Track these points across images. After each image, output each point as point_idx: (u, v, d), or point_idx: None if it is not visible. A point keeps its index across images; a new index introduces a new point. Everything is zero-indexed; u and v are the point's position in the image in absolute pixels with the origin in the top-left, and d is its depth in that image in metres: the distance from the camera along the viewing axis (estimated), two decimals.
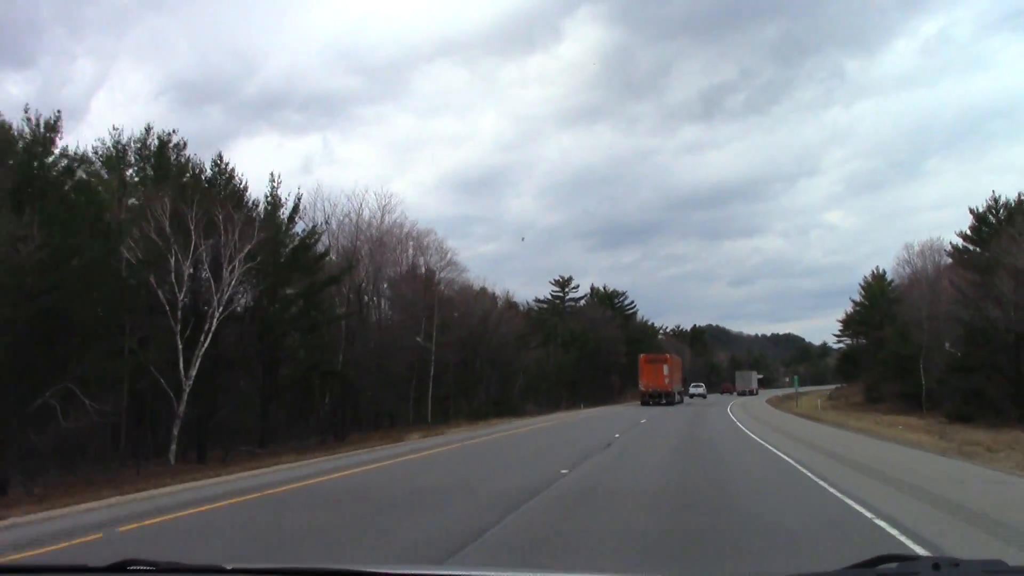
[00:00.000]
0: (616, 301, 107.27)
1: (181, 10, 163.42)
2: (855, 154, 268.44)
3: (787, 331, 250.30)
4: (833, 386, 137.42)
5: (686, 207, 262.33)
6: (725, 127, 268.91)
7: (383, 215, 54.37)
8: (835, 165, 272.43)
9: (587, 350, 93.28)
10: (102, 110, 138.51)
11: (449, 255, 58.20)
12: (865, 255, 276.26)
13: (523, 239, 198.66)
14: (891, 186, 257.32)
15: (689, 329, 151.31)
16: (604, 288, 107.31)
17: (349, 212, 51.73)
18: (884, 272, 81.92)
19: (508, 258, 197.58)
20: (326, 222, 45.37)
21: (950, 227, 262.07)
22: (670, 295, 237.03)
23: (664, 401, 63.33)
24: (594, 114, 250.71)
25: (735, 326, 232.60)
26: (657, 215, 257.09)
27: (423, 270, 60.36)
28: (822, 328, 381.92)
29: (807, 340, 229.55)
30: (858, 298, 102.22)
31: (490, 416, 60.45)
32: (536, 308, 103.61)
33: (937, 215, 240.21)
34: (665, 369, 64.98)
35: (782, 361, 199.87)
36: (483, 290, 75.15)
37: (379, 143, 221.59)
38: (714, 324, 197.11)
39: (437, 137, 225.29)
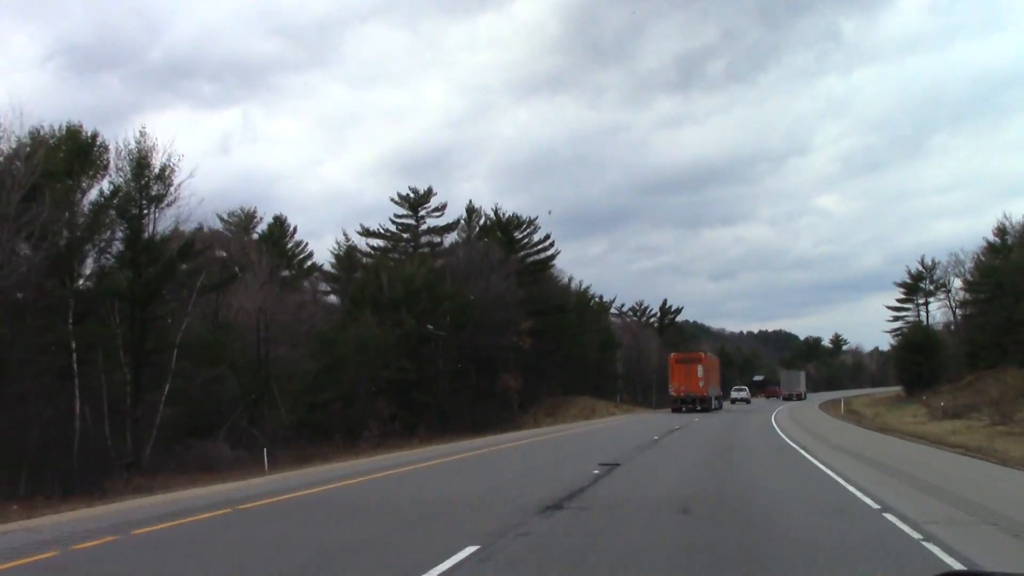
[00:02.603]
0: (518, 235, 59.12)
1: None
2: (852, 129, 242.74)
3: (776, 328, 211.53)
4: (875, 390, 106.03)
5: (660, 191, 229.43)
6: (704, 98, 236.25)
7: None
8: (829, 142, 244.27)
9: (437, 319, 45.09)
10: None
11: None
12: (861, 245, 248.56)
13: (550, 212, 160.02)
14: (892, 166, 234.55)
15: (657, 311, 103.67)
16: (496, 212, 59.26)
17: None
18: None
19: None
20: None
21: (960, 213, 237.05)
22: (641, 291, 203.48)
23: (699, 407, 54.32)
24: (555, 84, 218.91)
25: (716, 323, 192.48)
26: (627, 200, 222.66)
27: None
28: (822, 325, 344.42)
29: (801, 338, 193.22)
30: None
31: None
32: (370, 246, 55.38)
33: (945, 199, 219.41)
34: (699, 370, 55.51)
35: (780, 360, 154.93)
36: None
37: (308, 118, 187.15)
38: (691, 320, 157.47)
39: (375, 111, 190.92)
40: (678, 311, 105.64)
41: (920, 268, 75.30)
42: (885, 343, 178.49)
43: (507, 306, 51.28)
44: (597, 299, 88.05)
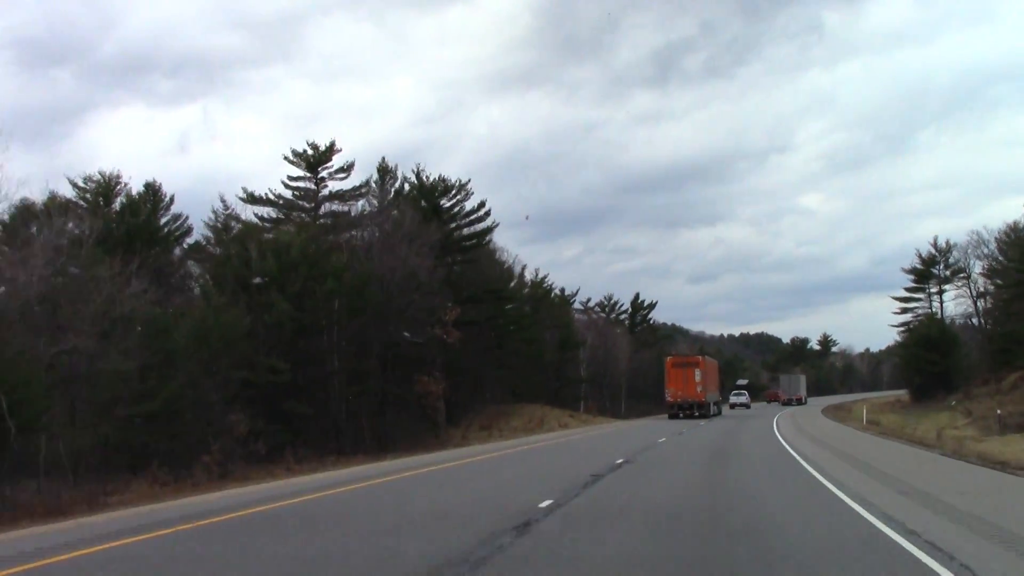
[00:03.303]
0: (445, 203, 47.71)
1: None
2: (836, 126, 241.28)
3: (758, 331, 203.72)
4: (872, 394, 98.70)
5: (637, 191, 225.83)
6: (683, 94, 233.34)
7: None
8: (812, 139, 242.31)
9: (320, 300, 33.83)
10: None
11: None
12: (846, 246, 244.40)
13: (527, 217, 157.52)
14: (878, 163, 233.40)
15: (627, 306, 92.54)
16: (418, 174, 47.63)
17: None
18: None
19: None
20: None
21: (948, 212, 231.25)
22: (618, 294, 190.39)
23: (697, 413, 52.08)
24: (528, 79, 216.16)
25: (695, 327, 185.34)
26: (603, 201, 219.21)
27: None
28: (805, 328, 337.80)
29: (784, 341, 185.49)
30: None
31: None
32: (258, 216, 44.23)
33: (932, 197, 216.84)
34: (697, 374, 53.32)
35: (764, 363, 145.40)
36: None
37: (272, 115, 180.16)
38: (670, 323, 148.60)
39: (341, 108, 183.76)
40: (651, 306, 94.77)
41: (932, 251, 64.66)
42: (876, 345, 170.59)
43: (423, 288, 39.93)
44: (558, 292, 77.04)
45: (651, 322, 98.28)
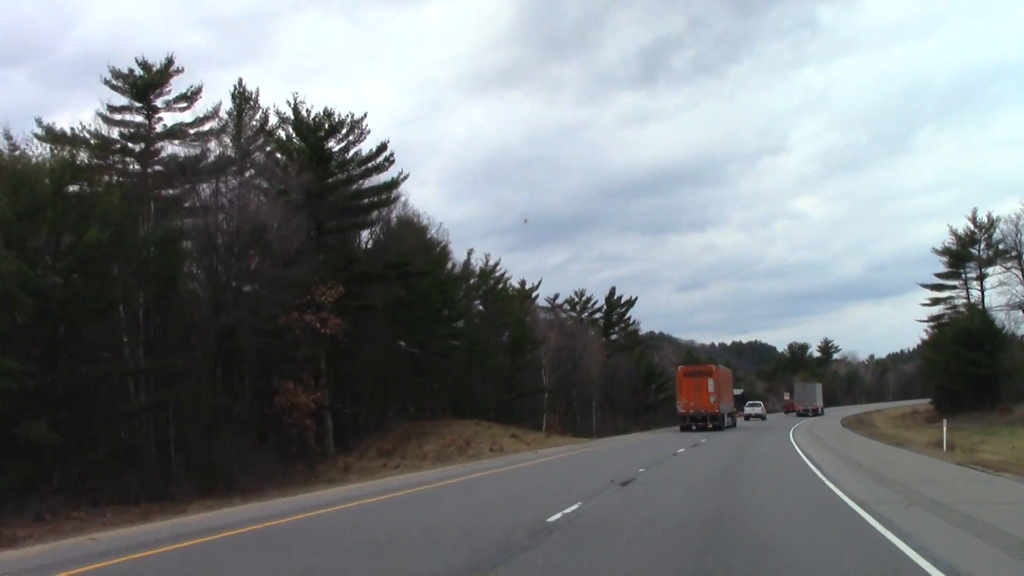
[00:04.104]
0: (334, 145, 35.29)
1: None
2: (831, 125, 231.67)
3: (751, 339, 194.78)
4: (882, 405, 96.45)
5: (624, 195, 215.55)
6: (671, 93, 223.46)
7: None
8: (806, 140, 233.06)
9: (83, 257, 21.09)
10: None
11: None
12: (842, 251, 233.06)
13: (526, 221, 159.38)
14: (874, 165, 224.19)
15: (602, 302, 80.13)
16: (295, 106, 35.00)
17: None
18: None
19: None
20: None
21: (947, 215, 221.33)
22: (599, 300, 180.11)
23: (711, 425, 50.54)
24: (509, 78, 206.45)
25: (685, 336, 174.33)
26: (588, 206, 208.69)
27: None
28: (800, 336, 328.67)
29: (779, 350, 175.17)
30: None
31: None
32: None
33: (931, 200, 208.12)
34: (710, 385, 51.59)
35: (758, 373, 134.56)
36: None
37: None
38: (658, 332, 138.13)
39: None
40: (629, 304, 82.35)
41: (971, 227, 52.53)
42: (879, 353, 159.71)
43: (273, 253, 27.59)
44: (516, 285, 64.91)
45: (629, 321, 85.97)
